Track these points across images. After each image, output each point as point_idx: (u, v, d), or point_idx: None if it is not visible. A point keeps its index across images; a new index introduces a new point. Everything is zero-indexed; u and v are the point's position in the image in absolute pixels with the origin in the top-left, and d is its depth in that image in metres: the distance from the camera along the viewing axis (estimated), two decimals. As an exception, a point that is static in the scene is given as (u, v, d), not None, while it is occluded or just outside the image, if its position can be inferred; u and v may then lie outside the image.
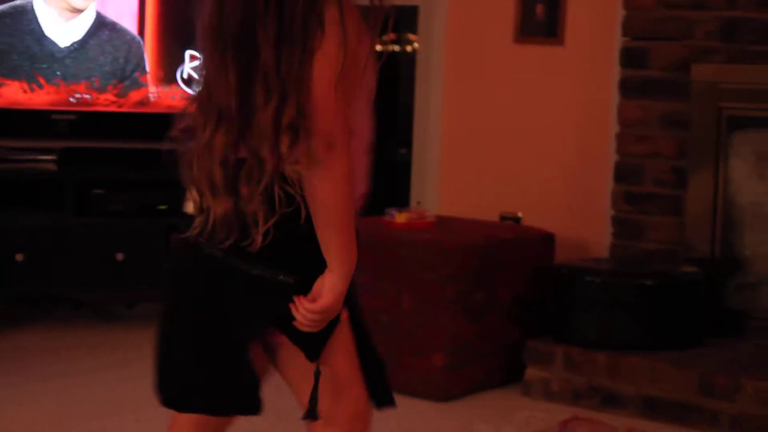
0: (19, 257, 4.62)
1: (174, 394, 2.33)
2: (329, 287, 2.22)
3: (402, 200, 5.16)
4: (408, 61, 5.80)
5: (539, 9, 4.82)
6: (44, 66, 4.78)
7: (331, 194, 2.19)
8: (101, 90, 4.81)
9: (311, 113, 2.14)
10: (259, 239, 2.18)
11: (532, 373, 4.09)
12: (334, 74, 2.16)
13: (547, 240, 4.41)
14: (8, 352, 4.53)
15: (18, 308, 5.14)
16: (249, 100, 2.17)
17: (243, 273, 2.22)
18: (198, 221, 2.26)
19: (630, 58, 4.47)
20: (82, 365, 4.36)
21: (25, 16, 4.77)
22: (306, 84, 2.13)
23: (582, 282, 4.07)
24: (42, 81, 4.79)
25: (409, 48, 5.97)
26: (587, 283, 4.05)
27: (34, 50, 4.78)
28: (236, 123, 2.18)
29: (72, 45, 4.82)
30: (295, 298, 2.19)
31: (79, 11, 4.82)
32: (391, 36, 6.05)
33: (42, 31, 4.78)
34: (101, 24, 4.83)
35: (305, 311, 2.18)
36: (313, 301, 2.19)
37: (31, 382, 4.16)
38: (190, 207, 2.33)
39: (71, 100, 4.82)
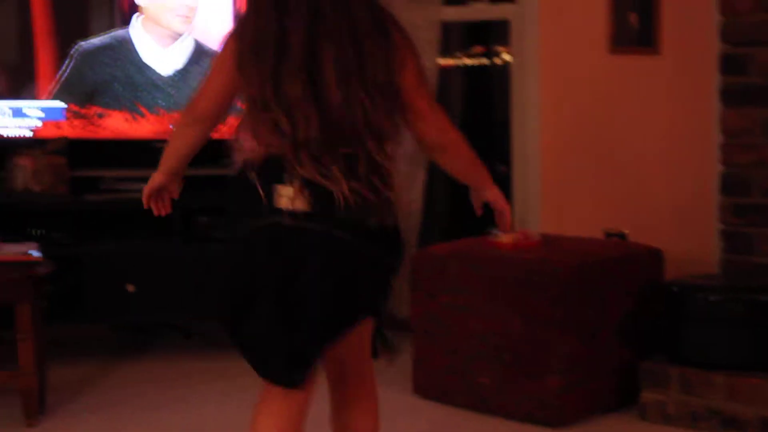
0: (130, 288, 4.68)
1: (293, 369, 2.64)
2: (498, 194, 2.90)
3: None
4: (501, 76, 5.77)
5: (633, 18, 4.77)
6: (146, 95, 4.84)
7: (454, 133, 2.82)
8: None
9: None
10: (385, 221, 2.68)
11: (647, 396, 4.04)
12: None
13: (654, 256, 4.37)
14: (119, 380, 4.60)
15: (128, 337, 5.20)
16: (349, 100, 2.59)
17: (371, 254, 2.65)
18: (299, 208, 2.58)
19: (730, 65, 4.40)
20: (192, 394, 4.41)
21: (125, 46, 4.83)
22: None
23: (695, 299, 4.00)
24: (144, 110, 4.85)
25: (498, 60, 5.95)
26: (701, 301, 3.99)
27: (137, 79, 4.84)
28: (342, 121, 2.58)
29: (173, 73, 4.87)
30: (500, 212, 2.86)
31: (179, 35, 4.86)
32: (480, 49, 6.04)
33: (142, 61, 4.83)
34: (201, 52, 4.87)
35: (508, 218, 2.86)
36: (501, 213, 2.87)
37: (142, 411, 4.23)
38: (282, 201, 2.60)
39: (172, 128, 4.86)
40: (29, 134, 4.80)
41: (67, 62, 4.80)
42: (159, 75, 4.86)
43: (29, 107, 4.81)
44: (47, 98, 4.80)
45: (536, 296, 4.02)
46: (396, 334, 5.17)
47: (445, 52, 5.42)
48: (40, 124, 4.81)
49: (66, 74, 4.81)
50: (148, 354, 4.97)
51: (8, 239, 4.19)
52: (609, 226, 4.63)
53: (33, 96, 4.82)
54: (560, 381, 4.00)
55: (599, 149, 4.89)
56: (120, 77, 4.82)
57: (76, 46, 4.80)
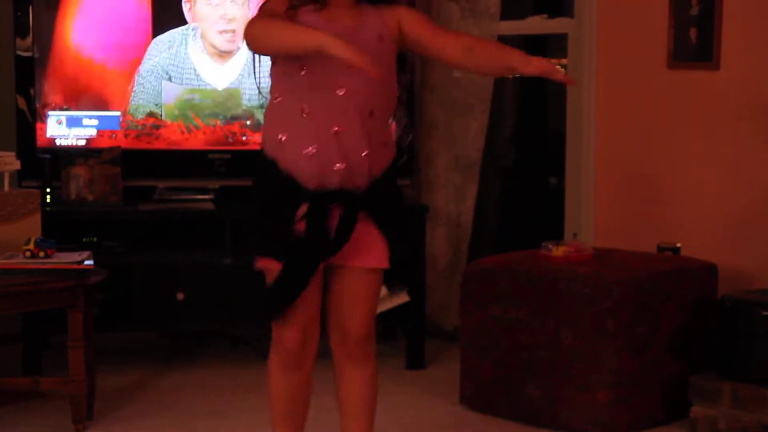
0: (179, 296, 4.71)
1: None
2: (540, 61, 2.95)
3: (554, 231, 5.10)
4: (556, 87, 5.75)
5: (693, 33, 4.72)
6: (202, 107, 4.87)
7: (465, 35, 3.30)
8: (255, 129, 4.87)
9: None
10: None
11: (698, 410, 3.99)
12: None
13: (709, 271, 4.30)
14: (167, 388, 4.62)
15: (177, 345, 5.23)
16: None
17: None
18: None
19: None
20: (240, 402, 4.41)
21: (183, 64, 4.87)
22: None
23: (748, 314, 3.94)
24: (198, 122, 4.88)
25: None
26: (754, 316, 3.93)
27: (194, 96, 4.87)
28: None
29: (229, 86, 4.90)
30: (551, 72, 2.94)
31: (229, 54, 4.89)
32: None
33: (200, 78, 4.87)
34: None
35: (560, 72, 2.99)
36: (552, 72, 2.94)
37: (189, 418, 4.24)
38: None
39: (227, 139, 4.89)
40: (84, 144, 4.85)
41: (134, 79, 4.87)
42: (216, 90, 4.89)
43: (84, 117, 4.86)
44: (119, 111, 4.86)
45: (587, 310, 3.98)
46: (444, 345, 5.17)
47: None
48: (95, 133, 4.86)
49: (131, 91, 4.87)
50: (195, 362, 4.99)
51: (62, 247, 4.23)
52: (663, 240, 4.58)
53: (92, 106, 4.87)
54: (610, 395, 3.96)
55: (654, 163, 4.85)
56: (177, 91, 4.85)
57: (138, 69, 4.86)
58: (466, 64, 3.06)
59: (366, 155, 2.96)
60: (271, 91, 3.03)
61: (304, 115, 2.93)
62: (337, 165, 2.93)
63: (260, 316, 3.25)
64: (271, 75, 3.04)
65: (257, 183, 3.07)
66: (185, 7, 4.86)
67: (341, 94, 2.92)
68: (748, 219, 4.56)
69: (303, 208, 2.95)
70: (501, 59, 2.99)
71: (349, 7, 2.99)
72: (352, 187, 2.97)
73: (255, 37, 2.92)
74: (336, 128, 2.92)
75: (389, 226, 3.05)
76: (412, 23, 3.02)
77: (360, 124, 2.94)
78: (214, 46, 4.88)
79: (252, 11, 4.82)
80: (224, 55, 4.89)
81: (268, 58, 3.06)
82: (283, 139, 2.95)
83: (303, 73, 2.92)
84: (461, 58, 3.01)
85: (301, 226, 2.96)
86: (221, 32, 4.87)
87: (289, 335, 3.07)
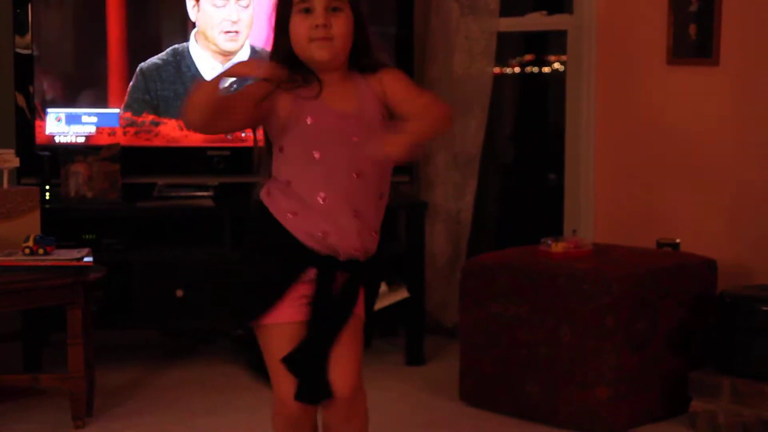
0: (179, 293, 4.71)
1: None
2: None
3: (554, 227, 5.10)
4: (555, 84, 5.75)
5: (692, 29, 4.72)
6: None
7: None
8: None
9: None
10: None
11: (697, 405, 3.99)
12: None
13: (708, 266, 4.30)
14: (166, 385, 4.62)
15: (176, 342, 5.23)
16: None
17: None
18: None
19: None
20: (239, 399, 4.41)
21: (184, 62, 4.87)
22: None
23: (748, 310, 3.94)
24: (197, 118, 4.87)
25: (547, 69, 5.93)
26: (753, 311, 3.93)
27: (194, 93, 4.87)
28: None
29: (231, 86, 4.89)
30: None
31: (231, 53, 4.89)
32: (529, 57, 6.02)
33: (202, 76, 4.86)
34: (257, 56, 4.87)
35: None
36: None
37: (188, 415, 4.24)
38: None
39: (226, 136, 4.89)
40: (83, 141, 4.85)
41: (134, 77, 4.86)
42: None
43: (83, 114, 4.86)
44: (116, 108, 4.86)
45: (587, 306, 3.98)
46: (443, 341, 5.16)
47: (499, 59, 5.40)
48: (94, 131, 4.86)
49: (130, 89, 4.86)
50: (195, 359, 4.99)
51: (61, 244, 4.23)
52: (662, 236, 4.58)
53: (91, 103, 4.87)
54: (610, 391, 3.96)
55: (653, 159, 4.85)
56: (182, 92, 4.85)
57: (139, 67, 4.85)
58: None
59: (375, 234, 2.90)
60: (276, 173, 2.89)
61: (325, 202, 2.82)
62: (355, 245, 2.84)
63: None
64: (275, 159, 2.89)
65: (256, 240, 2.94)
66: (189, 5, 4.86)
67: (356, 178, 2.82)
68: (747, 215, 4.56)
69: (310, 273, 2.85)
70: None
71: (341, 83, 2.86)
72: (363, 259, 2.88)
73: (188, 109, 2.79)
74: (354, 211, 2.83)
75: (373, 284, 2.99)
76: (394, 87, 2.86)
77: (373, 206, 2.87)
78: (216, 45, 4.88)
79: (256, 13, 4.82)
80: (227, 54, 4.88)
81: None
82: (293, 218, 2.84)
83: (317, 157, 2.81)
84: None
85: (306, 286, 2.86)
86: (224, 32, 4.87)
87: (285, 391, 2.88)
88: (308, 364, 2.84)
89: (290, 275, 2.85)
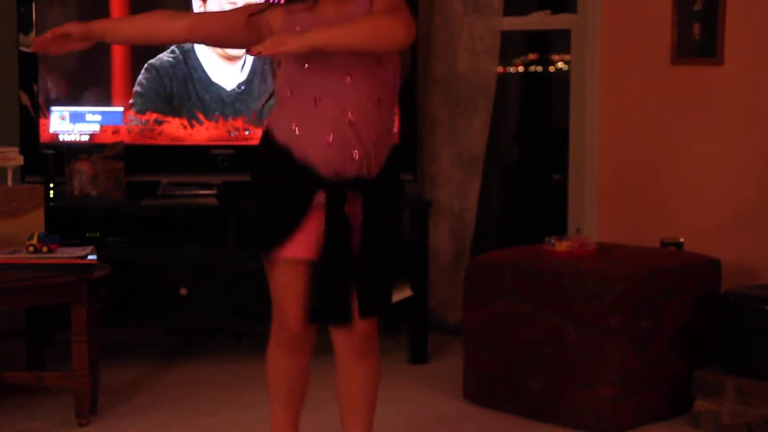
0: (183, 291, 4.71)
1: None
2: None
3: (557, 227, 5.10)
4: (558, 84, 5.75)
5: (696, 28, 4.71)
6: (208, 104, 4.88)
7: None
8: (258, 124, 4.87)
9: None
10: None
11: (701, 404, 3.98)
12: None
13: (712, 266, 4.30)
14: (170, 383, 4.62)
15: (180, 340, 5.23)
16: None
17: None
18: None
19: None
20: (242, 397, 4.41)
21: (191, 63, 4.87)
22: None
23: (752, 309, 3.93)
24: (201, 117, 4.88)
25: (552, 68, 5.92)
26: (758, 311, 3.92)
27: (204, 97, 4.87)
28: None
29: (239, 87, 4.90)
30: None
31: (237, 57, 4.89)
32: (533, 56, 6.02)
33: (209, 79, 4.87)
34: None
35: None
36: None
37: (192, 413, 4.24)
38: None
39: (230, 134, 4.89)
40: (87, 140, 4.85)
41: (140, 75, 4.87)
42: (226, 91, 4.89)
43: (88, 112, 4.86)
44: (122, 107, 4.86)
45: (591, 305, 3.97)
46: (447, 339, 5.16)
47: (503, 58, 5.40)
48: (98, 129, 4.86)
49: (136, 87, 4.87)
50: (198, 357, 4.99)
51: (66, 242, 4.24)
52: (666, 235, 4.58)
53: (95, 101, 4.87)
54: (613, 390, 3.95)
55: (658, 158, 4.85)
56: (190, 94, 4.85)
57: (147, 64, 4.86)
58: None
59: (378, 141, 2.99)
60: (278, 90, 3.04)
61: (318, 105, 2.94)
62: (355, 152, 2.95)
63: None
64: (277, 77, 3.05)
65: (264, 171, 3.07)
66: (195, 4, 4.86)
67: (349, 82, 2.93)
68: (752, 214, 4.56)
69: (320, 197, 2.97)
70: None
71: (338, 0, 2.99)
72: (368, 176, 2.99)
73: None
74: (350, 116, 2.94)
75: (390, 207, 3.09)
76: (377, 6, 2.97)
77: (371, 112, 2.96)
78: (222, 49, 4.88)
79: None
80: (232, 58, 4.88)
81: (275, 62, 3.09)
82: (297, 129, 2.97)
83: (306, 67, 2.94)
84: None
85: (316, 215, 2.98)
86: None
87: (290, 312, 3.07)
88: (327, 289, 2.97)
89: (299, 206, 2.97)
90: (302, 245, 2.99)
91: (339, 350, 3.17)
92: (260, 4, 3.00)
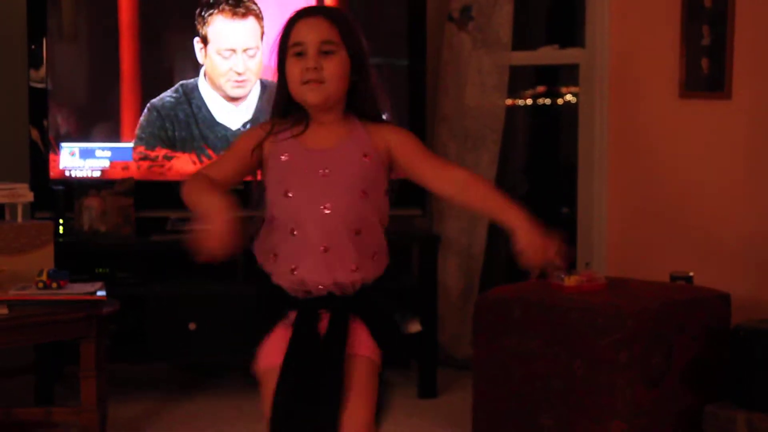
0: (192, 326, 4.71)
1: None
2: (528, 233, 2.88)
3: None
4: (566, 117, 5.76)
5: (704, 63, 4.73)
6: (215, 141, 4.89)
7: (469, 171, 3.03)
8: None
9: None
10: None
11: (713, 440, 3.98)
12: None
13: (722, 300, 4.28)
14: (178, 418, 4.62)
15: (189, 376, 5.23)
16: None
17: None
18: None
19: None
20: (255, 433, 4.42)
21: (194, 103, 4.89)
22: None
23: (762, 344, 3.93)
24: (211, 153, 4.90)
25: (560, 101, 5.94)
26: (768, 346, 3.93)
27: (209, 136, 4.89)
28: None
29: (244, 126, 4.91)
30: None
31: (241, 98, 4.91)
32: (541, 89, 6.03)
33: (213, 118, 4.88)
34: (268, 92, 4.89)
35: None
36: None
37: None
38: None
39: (238, 173, 4.89)
40: (97, 175, 4.87)
41: (142, 116, 4.88)
42: (231, 131, 4.91)
43: (97, 148, 4.88)
44: (131, 142, 4.89)
45: (601, 340, 3.96)
46: (456, 374, 5.15)
47: (511, 91, 5.41)
48: (108, 165, 4.88)
49: (142, 124, 4.88)
50: (207, 393, 4.99)
51: (75, 278, 4.24)
52: (675, 269, 4.57)
53: (105, 137, 4.89)
54: (624, 425, 3.93)
55: (666, 192, 4.85)
56: (194, 133, 4.87)
57: (148, 104, 4.88)
58: (455, 202, 2.96)
59: (354, 271, 2.87)
60: (267, 208, 2.95)
61: (294, 236, 2.84)
62: (325, 281, 2.84)
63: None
64: (267, 199, 2.96)
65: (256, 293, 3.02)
66: (197, 47, 4.88)
67: (327, 212, 2.83)
68: (761, 248, 4.55)
69: (292, 316, 2.87)
70: (496, 212, 2.92)
71: (334, 125, 2.89)
72: (340, 294, 2.88)
73: (183, 194, 2.91)
74: (325, 246, 2.83)
75: (378, 326, 2.92)
76: (403, 149, 2.89)
77: (349, 241, 2.84)
78: (224, 91, 4.89)
79: (264, 62, 4.83)
80: (234, 99, 4.90)
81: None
82: (273, 257, 2.88)
83: (290, 196, 2.85)
84: (453, 195, 2.90)
85: (287, 330, 2.88)
86: (229, 81, 4.88)
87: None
88: (287, 408, 2.81)
89: (270, 319, 2.89)
90: (272, 356, 2.88)
91: None
92: (255, 133, 2.91)
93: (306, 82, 2.81)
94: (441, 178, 2.88)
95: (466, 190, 2.87)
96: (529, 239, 2.78)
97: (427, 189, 2.95)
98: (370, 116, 2.90)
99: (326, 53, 2.81)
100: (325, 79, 2.81)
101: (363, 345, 2.86)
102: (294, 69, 2.82)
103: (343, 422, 2.76)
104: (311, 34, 2.81)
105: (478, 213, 2.83)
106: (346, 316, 2.86)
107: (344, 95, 2.87)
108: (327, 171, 2.81)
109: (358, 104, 2.89)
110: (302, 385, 2.80)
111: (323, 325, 2.85)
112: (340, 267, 2.84)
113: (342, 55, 2.82)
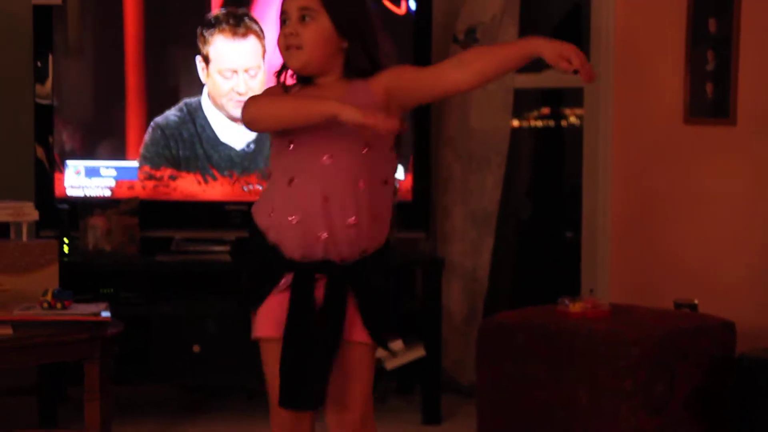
0: (196, 348, 4.71)
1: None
2: (551, 44, 2.89)
3: (571, 284, 5.10)
4: (570, 139, 5.76)
5: (709, 88, 4.73)
6: (220, 162, 4.89)
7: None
8: (272, 180, 4.87)
9: None
10: None
11: (717, 470, 3.97)
12: None
13: (727, 328, 4.28)
14: (184, 441, 4.61)
15: (193, 398, 5.21)
16: None
17: None
18: None
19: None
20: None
21: (198, 122, 4.89)
22: None
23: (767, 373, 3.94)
24: (215, 173, 4.90)
25: (564, 123, 5.94)
26: (773, 375, 3.93)
27: (213, 156, 4.89)
28: None
29: (248, 146, 4.91)
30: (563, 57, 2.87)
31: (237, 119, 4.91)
32: (545, 110, 6.04)
33: (217, 138, 4.88)
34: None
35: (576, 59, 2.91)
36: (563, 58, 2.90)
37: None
38: None
39: (244, 190, 4.90)
40: (102, 194, 4.86)
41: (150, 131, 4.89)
42: (235, 151, 4.91)
43: (103, 167, 4.88)
44: (137, 161, 4.89)
45: (604, 367, 3.96)
46: (460, 400, 5.14)
47: (515, 112, 5.42)
48: (113, 184, 4.88)
49: (147, 143, 4.89)
50: (211, 415, 4.97)
51: (79, 298, 4.23)
52: (679, 297, 4.57)
53: (110, 155, 4.89)
54: (628, 454, 3.93)
55: (671, 218, 4.85)
56: (198, 153, 4.87)
57: (152, 122, 4.88)
58: (473, 79, 2.87)
59: (353, 224, 2.88)
60: (269, 170, 3.04)
61: (291, 185, 2.88)
62: (323, 234, 2.86)
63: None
64: (270, 155, 3.04)
65: (247, 253, 3.05)
66: (199, 66, 4.88)
67: (327, 162, 2.86)
68: (767, 276, 4.54)
69: (287, 278, 2.91)
70: (509, 55, 2.88)
71: (336, 84, 2.94)
72: (338, 259, 2.90)
73: (260, 114, 2.91)
74: (323, 196, 2.86)
75: (371, 311, 2.96)
76: (400, 79, 2.93)
77: (349, 193, 2.87)
78: (226, 111, 4.89)
79: (265, 84, 4.83)
80: (237, 119, 4.90)
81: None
82: (271, 212, 2.92)
83: (291, 147, 2.90)
84: (464, 78, 2.86)
85: (284, 296, 2.91)
86: (231, 101, 4.88)
87: (273, 393, 3.01)
88: (291, 371, 2.89)
89: (266, 286, 2.93)
90: (269, 324, 2.94)
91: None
92: (275, 90, 3.00)
93: (287, 48, 2.90)
94: (443, 73, 2.90)
95: (469, 62, 2.87)
96: (551, 48, 2.81)
97: (441, 95, 3.03)
98: (370, 74, 2.94)
99: (304, 19, 2.88)
100: (302, 44, 2.88)
101: (356, 329, 2.93)
102: (279, 35, 2.92)
103: (334, 408, 2.95)
104: (292, 2, 2.90)
105: (498, 72, 2.84)
106: (344, 287, 2.90)
107: (333, 58, 2.92)
108: (328, 125, 2.84)
109: (353, 66, 2.94)
110: (302, 355, 2.88)
111: (319, 293, 2.89)
112: (338, 217, 2.87)
113: (322, 20, 2.88)
